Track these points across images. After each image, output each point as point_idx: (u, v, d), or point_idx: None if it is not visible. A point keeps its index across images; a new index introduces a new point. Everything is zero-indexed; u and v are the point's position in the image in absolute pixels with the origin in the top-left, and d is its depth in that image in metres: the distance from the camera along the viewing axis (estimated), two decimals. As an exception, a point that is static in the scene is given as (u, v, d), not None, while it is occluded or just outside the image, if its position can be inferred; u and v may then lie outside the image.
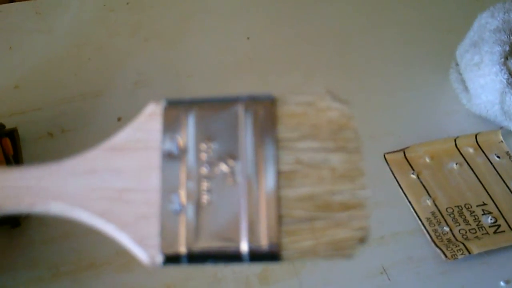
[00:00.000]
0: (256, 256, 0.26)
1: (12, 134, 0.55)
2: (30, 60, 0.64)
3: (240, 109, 0.28)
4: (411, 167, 0.56)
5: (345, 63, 0.66)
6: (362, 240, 0.27)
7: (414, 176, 0.55)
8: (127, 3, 0.71)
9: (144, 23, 0.69)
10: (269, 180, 0.27)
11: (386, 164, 0.56)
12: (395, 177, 0.55)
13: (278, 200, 0.27)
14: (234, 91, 0.62)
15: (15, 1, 0.72)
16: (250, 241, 0.26)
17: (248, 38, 0.68)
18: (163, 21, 0.70)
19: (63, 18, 0.69)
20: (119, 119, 0.59)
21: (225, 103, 0.29)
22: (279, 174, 0.27)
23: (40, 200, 0.27)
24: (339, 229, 0.27)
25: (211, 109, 0.28)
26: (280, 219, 0.27)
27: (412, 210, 0.53)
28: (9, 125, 0.56)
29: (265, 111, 0.28)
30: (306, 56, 0.67)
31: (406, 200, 0.54)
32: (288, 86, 0.64)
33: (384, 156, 0.57)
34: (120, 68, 0.65)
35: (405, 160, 0.56)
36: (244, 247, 0.26)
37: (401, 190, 0.54)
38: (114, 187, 0.27)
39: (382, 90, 0.63)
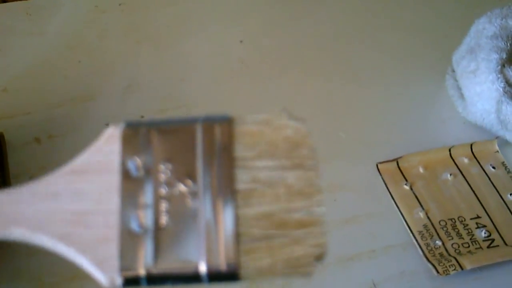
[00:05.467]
0: (214, 276, 0.27)
1: (-2, 140, 0.54)
2: (20, 62, 0.63)
3: (197, 130, 0.29)
4: (404, 177, 0.55)
5: (339, 68, 0.65)
6: (319, 257, 0.27)
7: (407, 187, 0.54)
8: (120, 4, 0.70)
9: (137, 25, 0.68)
10: (226, 199, 0.27)
11: (378, 174, 0.55)
12: (387, 188, 0.54)
13: (236, 219, 0.27)
14: (227, 94, 0.61)
15: (6, 2, 0.70)
16: (209, 262, 0.27)
17: (241, 41, 0.67)
18: (155, 23, 0.69)
19: (54, 20, 0.68)
20: (107, 125, 0.58)
21: (183, 124, 0.29)
22: (236, 193, 0.28)
23: (0, 226, 0.27)
24: (296, 246, 0.27)
25: (170, 130, 0.29)
26: (238, 238, 0.27)
27: (404, 223, 0.52)
28: (-5, 130, 0.55)
29: (222, 131, 0.29)
30: (300, 60, 0.66)
31: (399, 212, 0.53)
32: (281, 90, 0.63)
33: (377, 165, 0.56)
34: (111, 71, 0.64)
35: (398, 170, 0.55)
36: (202, 268, 0.27)
37: (393, 202, 0.53)
38: (75, 210, 0.28)
39: (376, 97, 0.62)
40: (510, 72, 0.56)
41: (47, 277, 0.48)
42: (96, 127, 0.58)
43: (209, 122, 0.29)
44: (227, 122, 0.29)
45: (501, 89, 0.55)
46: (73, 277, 0.48)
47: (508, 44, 0.58)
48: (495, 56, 0.57)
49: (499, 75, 0.56)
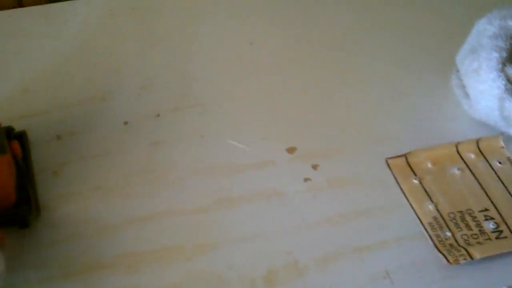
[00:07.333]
0: None
1: (21, 137, 0.56)
2: (39, 64, 0.65)
3: None
4: (413, 172, 0.57)
5: (347, 67, 0.67)
6: None
7: (416, 181, 0.56)
8: (133, 8, 0.72)
9: (150, 28, 0.70)
10: None
11: (388, 169, 0.57)
12: (397, 182, 0.56)
13: None
14: (240, 93, 0.63)
15: (23, 6, 0.72)
16: None
17: (251, 43, 0.69)
18: (168, 26, 0.71)
19: (70, 23, 0.70)
20: (125, 123, 0.60)
21: None
22: None
23: None
24: None
25: None
26: None
27: (415, 215, 0.54)
28: (18, 128, 0.57)
29: None
30: (309, 60, 0.68)
31: (409, 205, 0.55)
32: (291, 90, 0.65)
33: (386, 161, 0.57)
34: (127, 73, 0.66)
35: (407, 165, 0.57)
36: None
37: (403, 195, 0.55)
38: None
39: (384, 95, 0.64)
40: (511, 70, 0.58)
41: (72, 267, 0.49)
42: (113, 125, 0.60)
43: None
44: None
45: (502, 87, 0.57)
46: (97, 266, 0.49)
47: (508, 44, 0.60)
48: (495, 55, 0.59)
49: (500, 74, 0.58)
